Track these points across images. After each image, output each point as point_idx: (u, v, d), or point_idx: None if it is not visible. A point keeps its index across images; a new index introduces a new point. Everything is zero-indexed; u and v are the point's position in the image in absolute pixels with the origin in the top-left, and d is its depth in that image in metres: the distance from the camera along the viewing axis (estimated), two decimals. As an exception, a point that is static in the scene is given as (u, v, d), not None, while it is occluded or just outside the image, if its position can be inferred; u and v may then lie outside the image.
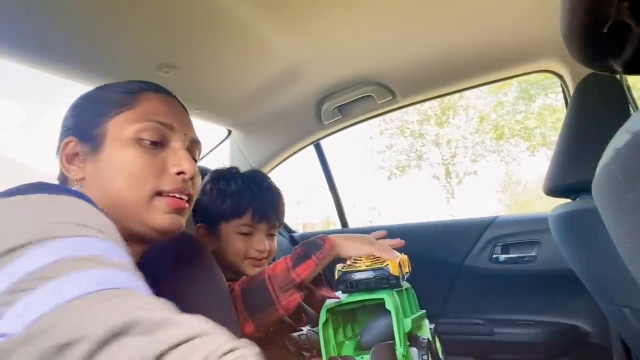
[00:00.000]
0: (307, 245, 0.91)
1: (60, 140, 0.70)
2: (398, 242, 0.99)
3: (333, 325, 0.90)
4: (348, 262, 0.90)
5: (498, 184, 13.58)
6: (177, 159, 0.68)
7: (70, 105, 0.75)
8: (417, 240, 1.78)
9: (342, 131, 1.79)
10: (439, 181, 13.24)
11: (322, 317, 0.87)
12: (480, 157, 12.79)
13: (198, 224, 1.09)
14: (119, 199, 0.65)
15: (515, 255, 1.62)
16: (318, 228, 13.79)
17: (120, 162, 0.65)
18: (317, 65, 1.44)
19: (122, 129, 0.67)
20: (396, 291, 0.89)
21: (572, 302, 1.53)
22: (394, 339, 0.83)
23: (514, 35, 1.30)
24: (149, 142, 0.67)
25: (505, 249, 1.64)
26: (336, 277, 0.89)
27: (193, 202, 0.72)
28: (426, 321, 1.01)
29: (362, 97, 1.60)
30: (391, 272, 0.86)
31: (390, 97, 1.61)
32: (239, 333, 0.84)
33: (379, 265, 0.87)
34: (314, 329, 0.91)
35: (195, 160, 0.76)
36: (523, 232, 1.62)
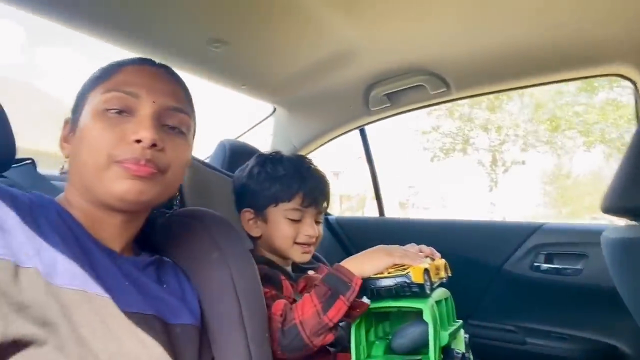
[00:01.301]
0: (332, 282, 0.86)
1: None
2: (428, 251, 0.96)
3: (365, 326, 0.89)
4: None
5: (546, 176, 13.07)
6: (136, 127, 0.65)
7: None
8: (456, 237, 1.75)
9: (388, 119, 1.73)
10: (484, 168, 12.88)
11: (357, 320, 0.86)
12: (531, 147, 12.30)
13: (245, 209, 1.09)
14: (84, 169, 0.65)
15: (560, 266, 1.54)
16: (355, 202, 13.79)
17: (85, 132, 0.65)
18: (370, 50, 1.39)
19: (92, 101, 0.67)
20: (436, 301, 0.87)
21: (614, 322, 1.45)
22: (427, 346, 0.81)
23: (587, 35, 1.20)
24: (113, 112, 0.66)
25: (549, 258, 1.57)
26: None
27: (171, 171, 0.68)
28: (462, 332, 0.98)
29: (414, 86, 1.54)
30: (413, 279, 0.82)
31: (444, 89, 1.53)
32: (266, 334, 0.83)
33: (401, 273, 0.84)
34: (341, 324, 0.90)
35: (181, 131, 0.71)
36: (571, 242, 1.54)
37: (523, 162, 12.63)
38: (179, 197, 1.08)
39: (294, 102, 1.72)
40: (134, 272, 0.69)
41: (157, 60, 0.75)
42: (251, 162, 1.12)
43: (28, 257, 0.54)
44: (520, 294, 1.61)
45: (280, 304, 0.88)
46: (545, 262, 1.57)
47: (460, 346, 0.97)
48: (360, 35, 1.30)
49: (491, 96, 11.60)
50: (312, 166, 1.12)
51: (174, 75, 0.75)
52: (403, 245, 0.96)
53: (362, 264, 0.88)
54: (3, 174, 0.83)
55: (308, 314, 0.84)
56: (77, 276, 0.58)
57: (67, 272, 0.57)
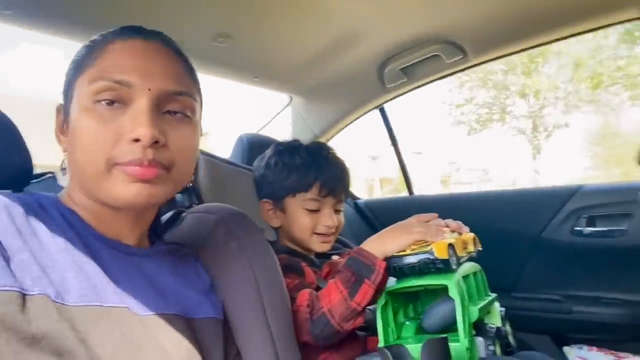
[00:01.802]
0: (355, 266, 0.84)
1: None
2: (455, 225, 0.91)
3: (393, 306, 0.87)
4: None
5: (593, 137, 12.45)
6: (133, 123, 0.56)
7: None
8: (488, 209, 1.69)
9: (407, 94, 1.68)
10: (525, 136, 12.41)
11: (382, 299, 0.85)
12: (573, 109, 11.74)
13: (263, 199, 1.09)
14: (80, 170, 0.59)
15: (603, 229, 1.46)
16: (394, 183, 13.65)
17: (77, 130, 0.58)
18: (378, 26, 1.35)
19: (81, 91, 0.58)
20: (463, 276, 0.83)
21: (668, 282, 1.36)
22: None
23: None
24: (104, 104, 0.57)
25: (591, 221, 1.49)
26: None
27: (177, 166, 0.61)
28: (496, 305, 0.94)
29: (429, 57, 1.48)
30: (436, 255, 0.79)
31: (461, 56, 1.47)
32: (290, 323, 0.83)
33: (424, 249, 0.81)
34: (371, 307, 0.88)
35: (185, 115, 0.62)
36: (613, 203, 1.45)
37: (566, 125, 12.08)
38: (195, 195, 1.10)
39: (309, 89, 1.70)
40: (151, 267, 0.66)
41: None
42: (269, 152, 1.12)
43: (34, 281, 0.50)
44: (563, 261, 1.54)
45: (305, 294, 0.88)
46: (587, 226, 1.48)
47: (495, 320, 0.94)
48: (367, 12, 1.26)
49: (525, 60, 11.14)
50: (331, 155, 1.10)
51: (170, 45, 0.64)
52: None
53: (384, 244, 0.85)
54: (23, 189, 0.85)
55: (335, 301, 0.83)
56: (90, 290, 0.54)
57: (79, 287, 0.53)
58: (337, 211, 1.08)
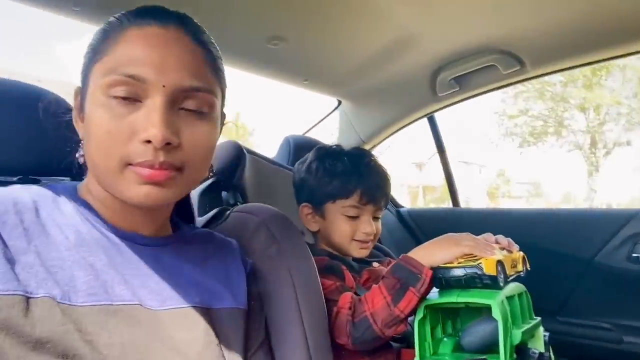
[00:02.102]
0: (401, 273, 0.84)
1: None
2: (505, 242, 0.89)
3: (431, 322, 0.85)
4: None
5: (657, 157, 11.71)
6: (145, 122, 0.54)
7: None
8: (540, 227, 1.62)
9: (458, 104, 1.65)
10: (582, 152, 11.84)
11: (420, 313, 0.83)
12: (637, 126, 11.08)
13: (303, 204, 1.10)
14: (94, 163, 0.57)
15: (662, 257, 1.37)
16: (439, 192, 13.37)
17: (92, 122, 0.56)
18: (434, 33, 1.32)
19: (95, 83, 0.56)
20: (507, 297, 0.81)
21: None
22: (498, 345, 0.76)
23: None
24: (119, 99, 0.55)
25: (649, 249, 1.39)
26: None
27: (190, 168, 0.59)
28: (540, 329, 0.90)
29: (484, 67, 1.44)
30: (485, 270, 0.77)
31: (518, 67, 1.42)
32: (326, 329, 0.83)
33: (472, 263, 0.78)
34: (410, 318, 0.87)
35: (201, 113, 0.59)
36: (675, 230, 1.36)
37: (628, 143, 11.43)
38: (240, 194, 1.12)
39: (358, 93, 1.69)
40: (169, 257, 0.65)
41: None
42: (311, 156, 1.12)
43: (39, 283, 0.49)
44: (616, 288, 1.45)
45: (347, 297, 0.88)
46: (646, 252, 1.40)
47: (538, 345, 0.90)
48: (422, 19, 1.24)
49: (588, 73, 10.62)
50: (373, 162, 1.09)
51: (191, 32, 0.60)
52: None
53: (432, 254, 0.84)
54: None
55: (378, 306, 0.83)
56: (100, 288, 0.54)
57: (88, 287, 0.53)
58: (375, 218, 1.08)
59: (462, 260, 0.81)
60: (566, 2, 1.14)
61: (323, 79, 1.56)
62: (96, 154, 0.56)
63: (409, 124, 1.75)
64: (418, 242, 1.82)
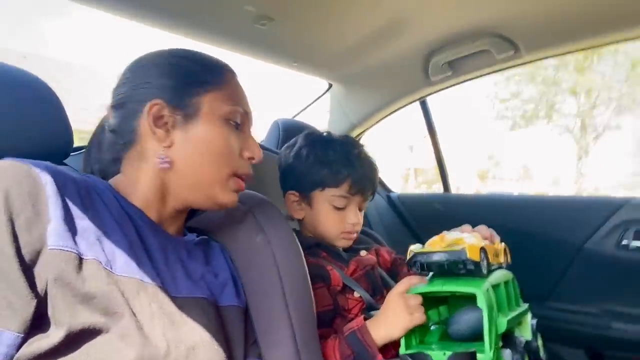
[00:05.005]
0: (355, 347, 0.83)
1: (140, 94, 0.69)
2: (487, 232, 0.89)
3: None
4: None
5: (646, 142, 11.82)
6: (250, 145, 0.74)
7: (148, 58, 0.72)
8: (530, 213, 1.62)
9: (450, 88, 1.62)
10: (572, 135, 11.91)
11: None
12: (627, 110, 11.14)
13: (290, 191, 1.07)
14: (196, 174, 0.69)
15: (652, 245, 1.37)
16: (430, 174, 13.40)
17: (212, 139, 0.69)
18: (427, 15, 1.28)
19: (216, 107, 0.70)
20: (493, 285, 0.79)
21: None
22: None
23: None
24: (234, 125, 0.71)
25: (638, 236, 1.39)
26: (408, 257, 0.82)
27: None
28: (528, 316, 0.90)
29: (478, 51, 1.40)
30: (468, 256, 0.75)
31: (512, 52, 1.38)
32: (312, 315, 0.83)
33: (455, 249, 0.77)
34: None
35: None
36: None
37: (618, 127, 11.50)
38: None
39: (350, 77, 1.65)
40: (186, 255, 0.72)
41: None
42: (300, 142, 1.09)
43: (89, 246, 0.57)
44: (605, 274, 1.46)
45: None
46: (635, 240, 1.40)
47: (526, 332, 0.89)
48: (416, 1, 1.20)
49: (579, 57, 10.60)
50: (363, 152, 1.07)
51: None
52: (469, 223, 0.90)
53: (390, 330, 0.82)
54: (64, 161, 0.86)
55: None
56: (134, 265, 0.61)
57: (125, 261, 0.60)
58: (360, 209, 1.07)
59: (445, 245, 0.80)
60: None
61: (313, 61, 1.52)
62: (209, 164, 0.69)
63: (401, 107, 1.72)
64: (409, 227, 1.83)
